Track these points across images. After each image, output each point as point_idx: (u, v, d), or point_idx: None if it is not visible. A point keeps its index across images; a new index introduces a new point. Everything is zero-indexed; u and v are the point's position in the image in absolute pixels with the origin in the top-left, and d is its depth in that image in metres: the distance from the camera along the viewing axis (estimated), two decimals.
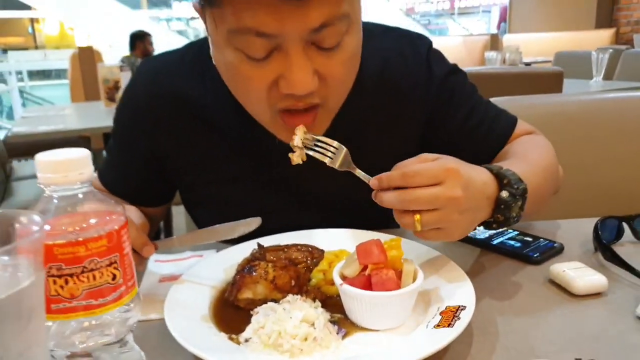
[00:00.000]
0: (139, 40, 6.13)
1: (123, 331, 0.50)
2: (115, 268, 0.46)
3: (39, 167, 0.44)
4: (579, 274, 0.73)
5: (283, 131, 0.80)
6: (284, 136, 0.80)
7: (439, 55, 0.97)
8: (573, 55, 4.61)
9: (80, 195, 0.46)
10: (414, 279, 0.64)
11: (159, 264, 0.85)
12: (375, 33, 0.92)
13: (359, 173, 0.73)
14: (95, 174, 0.98)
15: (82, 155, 0.45)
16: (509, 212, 0.72)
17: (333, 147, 0.74)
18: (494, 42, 6.33)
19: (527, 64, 5.57)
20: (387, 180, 0.67)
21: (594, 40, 6.61)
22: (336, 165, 0.74)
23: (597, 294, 0.71)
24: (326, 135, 0.76)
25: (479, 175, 0.71)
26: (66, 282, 0.44)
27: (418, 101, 0.94)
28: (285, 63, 0.70)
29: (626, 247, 0.86)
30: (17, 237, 0.38)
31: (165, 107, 0.91)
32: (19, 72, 10.44)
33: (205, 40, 0.84)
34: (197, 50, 0.91)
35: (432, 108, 0.95)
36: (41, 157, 0.44)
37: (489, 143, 0.97)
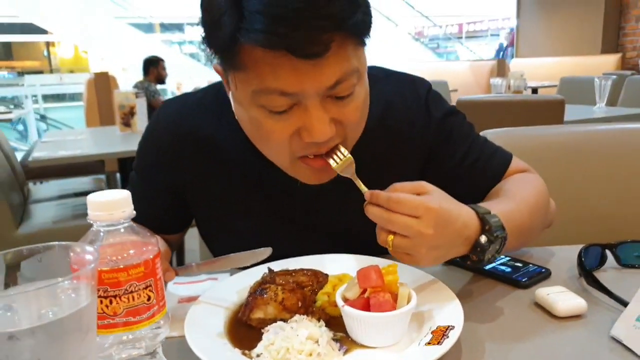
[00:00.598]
0: (153, 65, 6.27)
1: (153, 345, 0.58)
2: (150, 290, 0.54)
3: (90, 206, 0.53)
4: (562, 297, 0.79)
5: (303, 174, 0.88)
6: (305, 179, 0.89)
7: (437, 97, 1.05)
8: (577, 80, 4.69)
9: (122, 230, 0.55)
10: (409, 301, 0.71)
11: (177, 286, 0.92)
12: (378, 78, 0.99)
13: (359, 183, 0.81)
14: None
15: (124, 196, 0.54)
16: (483, 255, 0.79)
17: (342, 154, 0.83)
18: (501, 67, 6.41)
19: (534, 89, 5.66)
20: (375, 197, 0.75)
21: (601, 64, 6.69)
22: (339, 170, 0.82)
23: (577, 316, 0.77)
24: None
25: (462, 217, 0.78)
26: (110, 302, 0.52)
27: (418, 141, 1.02)
28: (306, 116, 0.78)
29: (609, 273, 0.92)
30: (72, 264, 0.47)
31: (185, 145, 0.99)
32: (34, 95, 10.65)
33: (221, 84, 0.93)
34: (215, 93, 1.00)
35: (431, 148, 1.02)
36: (92, 198, 0.53)
37: (484, 181, 1.04)
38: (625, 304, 0.78)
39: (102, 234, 0.54)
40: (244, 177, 1.00)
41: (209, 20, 0.77)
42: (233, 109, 0.88)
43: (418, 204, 0.73)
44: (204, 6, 0.78)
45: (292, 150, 0.83)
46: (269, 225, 1.02)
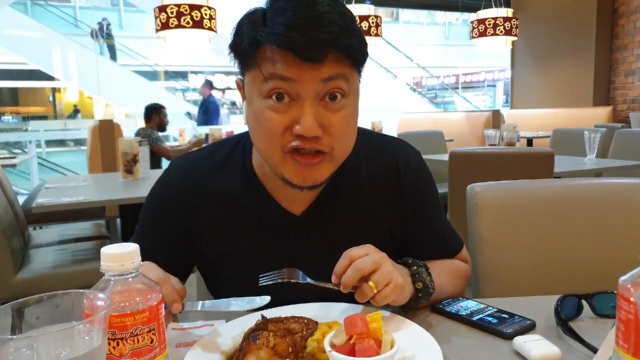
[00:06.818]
0: (155, 113, 6.31)
1: None
2: (153, 334, 0.60)
3: (103, 257, 0.60)
4: (537, 345, 0.84)
5: (290, 170, 0.97)
6: (291, 176, 0.98)
7: (427, 168, 1.19)
8: (569, 132, 4.81)
9: (130, 279, 0.61)
10: (392, 347, 0.76)
11: (175, 331, 0.97)
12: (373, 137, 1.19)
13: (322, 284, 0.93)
14: None
15: (134, 249, 0.61)
16: (421, 277, 0.97)
17: None
18: (496, 118, 6.54)
19: (529, 139, 5.79)
20: (340, 269, 0.89)
21: (593, 116, 6.85)
22: None
23: None
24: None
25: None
26: (117, 344, 0.58)
27: (395, 196, 1.14)
28: (300, 112, 0.92)
29: (586, 322, 0.97)
30: (85, 309, 0.53)
31: (194, 192, 1.09)
32: (37, 139, 10.77)
33: (230, 146, 1.12)
34: (222, 151, 1.13)
35: (408, 203, 1.15)
36: (105, 250, 0.60)
37: (443, 250, 1.19)
38: (596, 351, 0.83)
39: (112, 282, 0.60)
40: (248, 217, 1.09)
41: (236, 36, 0.96)
42: (244, 115, 1.02)
43: (376, 254, 0.91)
44: (234, 31, 0.97)
45: (282, 144, 0.94)
46: (271, 263, 1.07)
